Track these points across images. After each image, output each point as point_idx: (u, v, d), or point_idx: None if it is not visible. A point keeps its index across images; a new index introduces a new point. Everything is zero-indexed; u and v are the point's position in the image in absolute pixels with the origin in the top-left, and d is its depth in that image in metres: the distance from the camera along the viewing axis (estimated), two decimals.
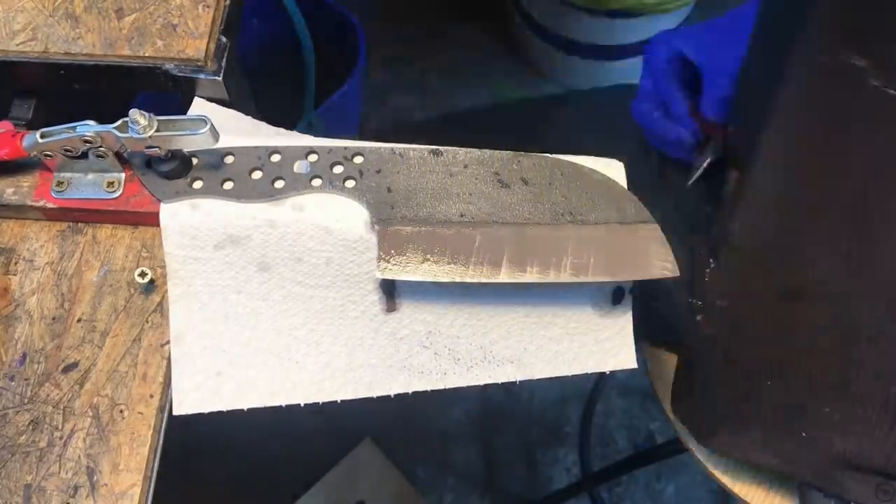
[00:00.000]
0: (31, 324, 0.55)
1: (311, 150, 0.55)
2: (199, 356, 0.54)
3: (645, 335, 0.80)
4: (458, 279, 0.52)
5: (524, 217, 0.53)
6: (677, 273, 0.53)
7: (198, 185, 0.54)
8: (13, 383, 0.54)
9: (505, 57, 1.83)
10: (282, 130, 0.59)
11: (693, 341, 0.66)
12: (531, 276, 0.52)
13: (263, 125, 0.59)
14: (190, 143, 0.51)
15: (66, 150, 0.53)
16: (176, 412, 0.53)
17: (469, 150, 0.56)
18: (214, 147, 0.52)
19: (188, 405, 0.54)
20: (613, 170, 0.57)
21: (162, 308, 0.56)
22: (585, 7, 1.51)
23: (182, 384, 0.54)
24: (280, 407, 0.55)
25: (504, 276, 0.52)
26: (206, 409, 0.54)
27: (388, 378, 0.56)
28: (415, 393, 0.56)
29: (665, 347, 0.78)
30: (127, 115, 0.50)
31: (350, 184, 0.54)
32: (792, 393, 0.61)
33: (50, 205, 0.56)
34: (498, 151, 0.56)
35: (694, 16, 1.69)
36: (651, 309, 0.74)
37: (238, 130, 0.58)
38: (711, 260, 0.63)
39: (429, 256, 0.52)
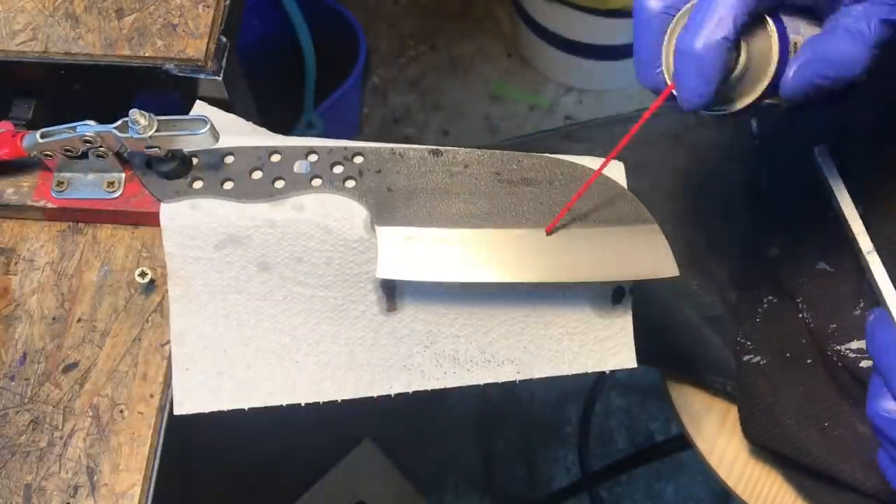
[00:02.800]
0: (31, 324, 0.55)
1: (311, 150, 0.55)
2: (200, 356, 0.54)
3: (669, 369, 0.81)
4: (458, 279, 0.52)
5: (524, 217, 0.53)
6: (677, 273, 0.53)
7: (198, 185, 0.54)
8: (13, 383, 0.54)
9: (505, 57, 1.83)
10: (282, 137, 0.59)
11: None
12: (531, 277, 0.52)
13: (263, 130, 0.59)
14: (190, 143, 0.51)
15: (66, 150, 0.53)
16: (176, 412, 0.53)
17: (469, 150, 0.56)
18: (214, 147, 0.52)
19: (189, 405, 0.54)
20: (613, 170, 0.57)
21: (162, 308, 0.56)
22: (585, 7, 1.51)
23: (182, 384, 0.54)
24: (280, 407, 0.55)
25: (504, 277, 0.52)
26: (206, 409, 0.54)
27: (389, 378, 0.56)
28: (415, 393, 0.56)
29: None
30: (127, 115, 0.50)
31: (350, 184, 0.54)
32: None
33: (50, 205, 0.56)
34: (498, 151, 0.56)
35: None
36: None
37: (238, 132, 0.58)
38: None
39: (429, 256, 0.52)
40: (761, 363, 0.67)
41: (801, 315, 0.63)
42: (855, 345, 0.58)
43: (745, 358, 0.68)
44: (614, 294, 0.57)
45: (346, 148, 0.55)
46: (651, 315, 0.74)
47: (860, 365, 0.58)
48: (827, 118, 0.66)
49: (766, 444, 0.68)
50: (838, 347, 0.60)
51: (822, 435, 0.63)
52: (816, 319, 0.61)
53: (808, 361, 0.63)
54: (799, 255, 0.64)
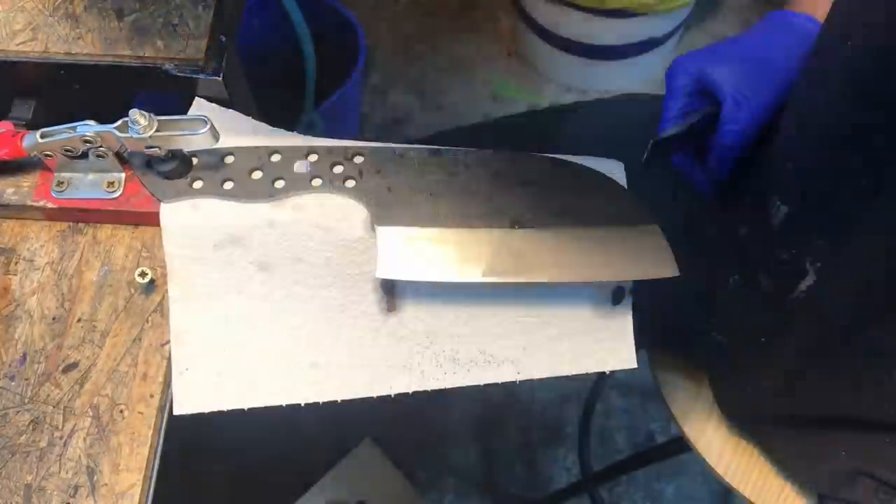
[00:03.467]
0: (32, 324, 0.55)
1: (311, 150, 0.55)
2: (200, 356, 0.54)
3: (654, 344, 0.81)
4: (457, 279, 0.52)
5: (525, 217, 0.53)
6: (677, 273, 0.53)
7: (198, 185, 0.54)
8: (13, 383, 0.54)
9: (505, 57, 1.83)
10: (281, 131, 0.59)
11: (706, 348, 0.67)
12: (531, 277, 0.52)
13: (263, 125, 0.59)
14: (190, 143, 0.51)
15: (66, 150, 0.53)
16: (177, 412, 0.53)
17: (469, 150, 0.56)
18: (214, 147, 0.52)
19: (189, 405, 0.54)
20: (614, 170, 0.57)
21: (162, 308, 0.56)
22: (585, 7, 1.51)
23: (183, 384, 0.54)
24: (280, 407, 0.55)
25: (504, 277, 0.52)
26: (206, 409, 0.54)
27: (389, 378, 0.55)
28: (415, 393, 0.56)
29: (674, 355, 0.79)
30: (127, 115, 0.50)
31: (350, 184, 0.54)
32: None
33: (50, 205, 0.56)
34: (498, 151, 0.56)
35: (693, 16, 1.69)
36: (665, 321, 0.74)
37: (238, 130, 0.58)
38: (734, 278, 0.64)
39: (428, 257, 0.52)
40: (724, 342, 0.68)
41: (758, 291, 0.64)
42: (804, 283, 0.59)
43: (713, 335, 0.69)
44: (614, 294, 0.57)
45: (346, 148, 0.55)
46: (643, 295, 0.75)
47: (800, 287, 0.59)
48: None
49: (733, 411, 0.69)
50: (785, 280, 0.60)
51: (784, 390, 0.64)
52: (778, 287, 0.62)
53: (763, 340, 0.64)
54: (763, 237, 0.64)
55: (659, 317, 0.76)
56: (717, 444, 0.75)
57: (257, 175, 0.54)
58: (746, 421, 0.70)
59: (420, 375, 0.56)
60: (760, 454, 0.74)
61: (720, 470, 0.74)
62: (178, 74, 0.61)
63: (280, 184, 0.54)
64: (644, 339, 0.79)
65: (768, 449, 0.72)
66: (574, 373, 0.57)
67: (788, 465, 0.71)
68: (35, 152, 0.53)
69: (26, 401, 0.54)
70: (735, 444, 0.75)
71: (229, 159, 0.55)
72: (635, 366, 0.58)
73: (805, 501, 0.72)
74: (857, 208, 0.52)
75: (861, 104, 0.49)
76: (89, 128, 0.51)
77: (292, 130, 0.59)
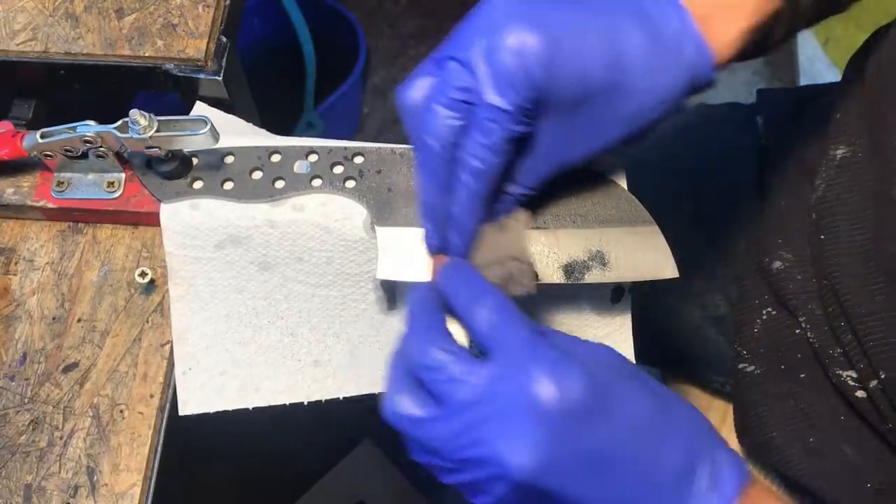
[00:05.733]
0: (31, 324, 0.55)
1: (311, 150, 0.55)
2: (203, 356, 0.54)
3: (667, 368, 0.81)
4: None
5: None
6: (676, 274, 0.52)
7: (198, 185, 0.54)
8: (13, 383, 0.54)
9: None
10: (281, 137, 0.59)
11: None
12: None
13: (263, 132, 0.59)
14: (190, 143, 0.51)
15: (66, 150, 0.53)
16: (181, 412, 0.53)
17: None
18: (214, 147, 0.52)
19: (193, 405, 0.54)
20: (614, 170, 0.57)
21: (162, 308, 0.56)
22: None
23: (186, 384, 0.54)
24: (282, 406, 0.55)
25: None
26: (211, 409, 0.54)
27: None
28: None
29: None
30: (127, 115, 0.50)
31: (350, 184, 0.54)
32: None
33: (50, 205, 0.56)
34: None
35: None
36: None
37: (238, 131, 0.58)
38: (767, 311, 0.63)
39: (428, 257, 0.52)
40: (755, 373, 0.66)
41: (798, 331, 0.62)
42: (855, 373, 0.57)
43: (741, 366, 0.67)
44: (613, 293, 0.57)
45: (346, 148, 0.55)
46: (654, 314, 0.74)
47: (856, 394, 0.58)
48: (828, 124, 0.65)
49: (754, 451, 0.68)
50: (840, 372, 0.59)
51: (807, 451, 0.62)
52: (820, 341, 0.60)
53: (802, 376, 0.63)
54: (803, 273, 0.63)
55: (675, 342, 0.76)
56: None
57: (257, 175, 0.54)
58: (766, 449, 0.68)
59: None
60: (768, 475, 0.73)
61: None
62: (179, 74, 0.62)
63: (280, 184, 0.54)
64: (654, 358, 0.78)
65: (782, 475, 0.71)
66: None
67: (807, 487, 0.69)
68: (35, 152, 0.53)
69: (26, 401, 0.54)
70: (745, 457, 0.74)
71: (229, 159, 0.55)
72: (633, 363, 0.58)
73: None
74: None
75: None
76: (89, 128, 0.51)
77: (292, 130, 0.59)
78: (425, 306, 0.45)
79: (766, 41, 0.49)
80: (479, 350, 0.43)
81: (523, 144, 0.46)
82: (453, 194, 0.46)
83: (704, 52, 0.44)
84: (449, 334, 0.43)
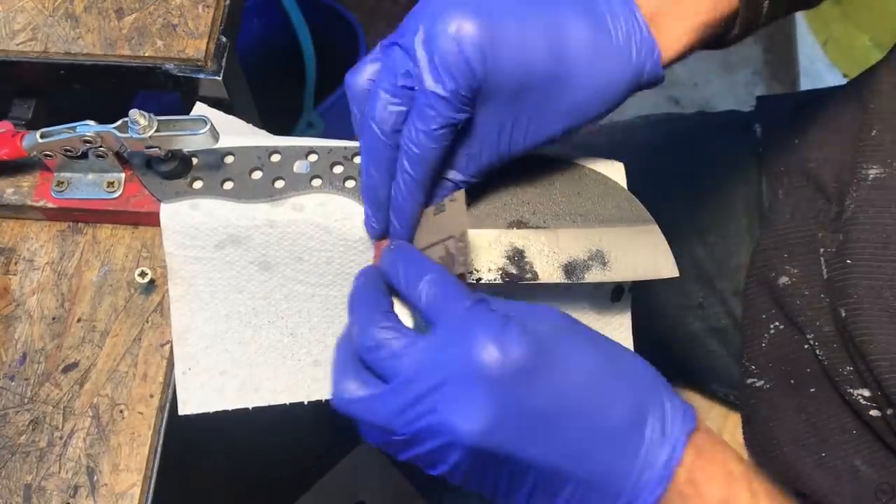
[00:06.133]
0: (31, 324, 0.55)
1: (311, 150, 0.55)
2: (203, 356, 0.54)
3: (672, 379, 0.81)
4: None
5: (525, 217, 0.53)
6: (676, 273, 0.52)
7: (198, 185, 0.54)
8: (13, 383, 0.54)
9: None
10: (281, 137, 0.59)
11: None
12: (531, 277, 0.52)
13: (262, 132, 0.59)
14: (190, 143, 0.51)
15: (66, 150, 0.53)
16: (181, 412, 0.53)
17: None
18: (214, 147, 0.52)
19: (193, 405, 0.54)
20: (614, 170, 0.57)
21: (162, 308, 0.56)
22: None
23: (186, 384, 0.54)
24: (282, 406, 0.55)
25: (504, 277, 0.52)
26: (211, 409, 0.54)
27: None
28: None
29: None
30: (127, 115, 0.50)
31: (350, 184, 0.54)
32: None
33: (50, 205, 0.56)
34: None
35: None
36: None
37: (238, 131, 0.58)
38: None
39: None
40: (764, 387, 0.66)
41: (807, 346, 0.62)
42: (867, 392, 0.57)
43: (749, 381, 0.67)
44: (613, 292, 0.57)
45: (346, 148, 0.55)
46: (656, 327, 0.74)
47: (870, 413, 0.57)
48: (838, 138, 0.64)
49: (765, 465, 0.67)
50: (851, 391, 0.58)
51: (819, 465, 0.62)
52: (829, 359, 0.60)
53: (812, 391, 0.62)
54: (811, 290, 0.62)
55: (675, 353, 0.75)
56: None
57: (257, 175, 0.54)
58: (777, 463, 0.68)
59: None
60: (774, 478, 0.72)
61: None
62: (179, 74, 0.62)
63: (280, 184, 0.54)
64: (653, 359, 0.78)
65: (794, 489, 0.71)
66: None
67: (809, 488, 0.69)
68: (35, 152, 0.53)
69: (26, 401, 0.54)
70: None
71: (229, 159, 0.55)
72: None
73: None
74: None
75: None
76: (89, 128, 0.51)
77: (292, 130, 0.59)
78: (367, 288, 0.45)
79: (724, 37, 0.48)
80: (424, 327, 0.44)
81: (463, 132, 0.46)
82: (395, 180, 0.46)
83: (652, 49, 0.45)
84: (391, 313, 0.44)
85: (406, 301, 0.45)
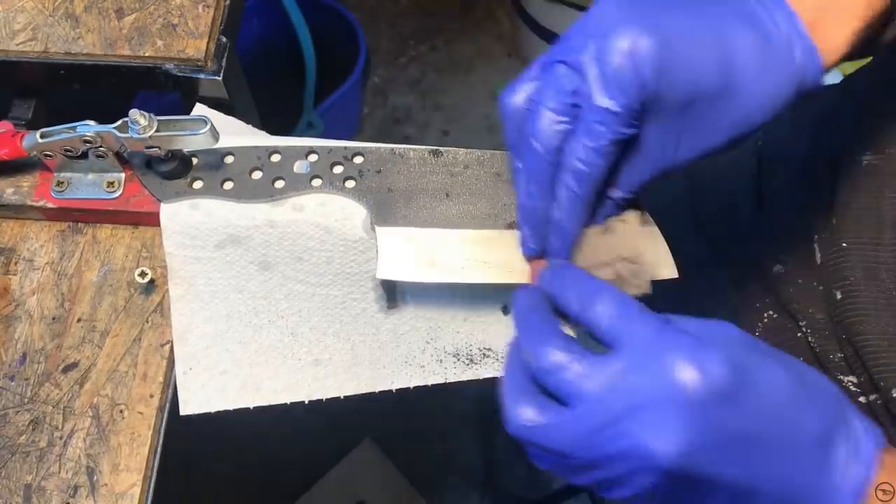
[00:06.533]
0: (31, 324, 0.55)
1: (311, 150, 0.55)
2: (203, 355, 0.54)
3: None
4: (457, 280, 0.52)
5: None
6: (676, 274, 0.52)
7: (198, 185, 0.54)
8: (13, 383, 0.54)
9: (505, 57, 1.83)
10: (281, 137, 0.59)
11: None
12: (531, 278, 0.52)
13: (262, 133, 0.59)
14: (190, 143, 0.51)
15: (66, 150, 0.53)
16: (182, 412, 0.53)
17: (469, 150, 0.56)
18: (214, 147, 0.52)
19: (194, 405, 0.54)
20: None
21: (162, 308, 0.56)
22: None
23: (187, 384, 0.54)
24: (283, 405, 0.55)
25: (504, 278, 0.52)
26: (212, 409, 0.54)
27: (391, 374, 0.56)
28: (416, 389, 0.56)
29: None
30: (127, 115, 0.50)
31: (350, 184, 0.54)
32: None
33: (50, 205, 0.56)
34: (499, 151, 0.56)
35: None
36: None
37: (238, 131, 0.58)
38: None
39: (428, 258, 0.52)
40: None
41: (800, 334, 0.62)
42: (855, 379, 0.57)
43: None
44: None
45: (346, 148, 0.55)
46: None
47: (859, 399, 0.58)
48: (835, 128, 0.65)
49: None
50: (841, 377, 0.58)
51: None
52: (821, 346, 0.60)
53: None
54: (803, 279, 0.62)
55: None
56: None
57: (257, 175, 0.54)
58: None
59: (421, 370, 0.56)
60: None
61: None
62: (178, 74, 0.62)
63: (280, 184, 0.54)
64: None
65: None
66: None
67: None
68: (35, 152, 0.53)
69: (26, 401, 0.54)
70: None
71: (229, 159, 0.55)
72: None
73: None
74: None
75: None
76: (89, 128, 0.51)
77: (292, 130, 0.59)
78: (533, 310, 0.45)
79: (875, 41, 0.48)
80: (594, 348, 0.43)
81: (627, 148, 0.46)
82: (555, 198, 0.46)
83: (814, 56, 0.44)
84: (565, 335, 0.43)
85: (578, 323, 0.44)
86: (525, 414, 0.41)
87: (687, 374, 0.38)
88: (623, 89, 0.42)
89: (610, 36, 0.42)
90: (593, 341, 0.43)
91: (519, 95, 0.46)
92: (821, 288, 0.60)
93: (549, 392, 0.42)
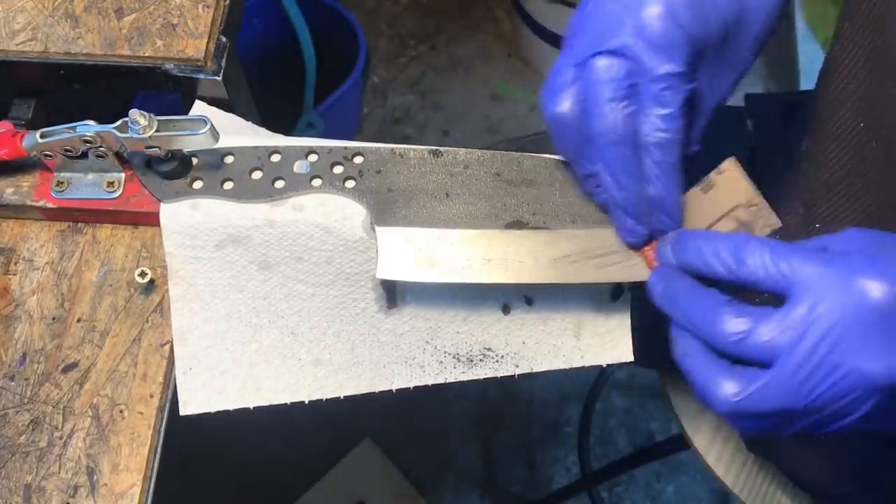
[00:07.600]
0: (31, 324, 0.56)
1: (311, 150, 0.55)
2: (203, 356, 0.54)
3: (664, 367, 0.81)
4: (457, 280, 0.52)
5: (525, 218, 0.53)
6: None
7: (198, 185, 0.54)
8: (13, 383, 0.54)
9: (505, 57, 1.83)
10: (281, 136, 0.59)
11: None
12: (531, 278, 0.52)
13: (263, 130, 0.59)
14: (190, 143, 0.51)
15: (66, 150, 0.53)
16: (182, 412, 0.53)
17: (469, 150, 0.56)
18: (214, 147, 0.52)
19: (194, 405, 0.54)
20: None
21: (162, 308, 0.56)
22: None
23: (187, 384, 0.54)
24: (283, 405, 0.55)
25: (504, 278, 0.52)
26: (212, 409, 0.54)
27: (390, 374, 0.56)
28: (416, 389, 0.56)
29: None
30: (127, 115, 0.50)
31: (350, 184, 0.54)
32: None
33: (50, 205, 0.56)
34: (498, 152, 0.56)
35: None
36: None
37: (238, 131, 0.58)
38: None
39: (428, 258, 0.52)
40: None
41: None
42: None
43: None
44: (613, 291, 0.57)
45: (346, 148, 0.55)
46: (648, 315, 0.74)
47: None
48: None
49: (761, 452, 0.68)
50: None
51: (811, 449, 0.62)
52: None
53: None
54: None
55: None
56: (726, 455, 0.74)
57: (257, 175, 0.54)
58: (774, 450, 0.68)
59: (421, 370, 0.56)
60: (772, 468, 0.73)
61: (728, 481, 0.74)
62: (179, 74, 0.61)
63: (280, 184, 0.54)
64: (654, 360, 0.79)
65: (777, 460, 0.71)
66: (572, 366, 0.57)
67: (795, 472, 0.70)
68: (35, 152, 0.53)
69: (26, 401, 0.54)
70: (744, 456, 0.74)
71: (229, 159, 0.55)
72: (632, 359, 0.58)
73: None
74: None
75: None
76: (89, 128, 0.51)
77: (292, 130, 0.59)
78: (686, 288, 0.45)
79: None
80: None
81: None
82: (646, 179, 0.47)
83: None
84: (728, 299, 0.43)
85: (735, 282, 0.43)
86: (730, 389, 0.41)
87: (874, 288, 0.39)
88: (676, 49, 0.44)
89: (641, 8, 0.44)
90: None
91: (565, 102, 0.47)
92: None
93: (741, 360, 0.42)
